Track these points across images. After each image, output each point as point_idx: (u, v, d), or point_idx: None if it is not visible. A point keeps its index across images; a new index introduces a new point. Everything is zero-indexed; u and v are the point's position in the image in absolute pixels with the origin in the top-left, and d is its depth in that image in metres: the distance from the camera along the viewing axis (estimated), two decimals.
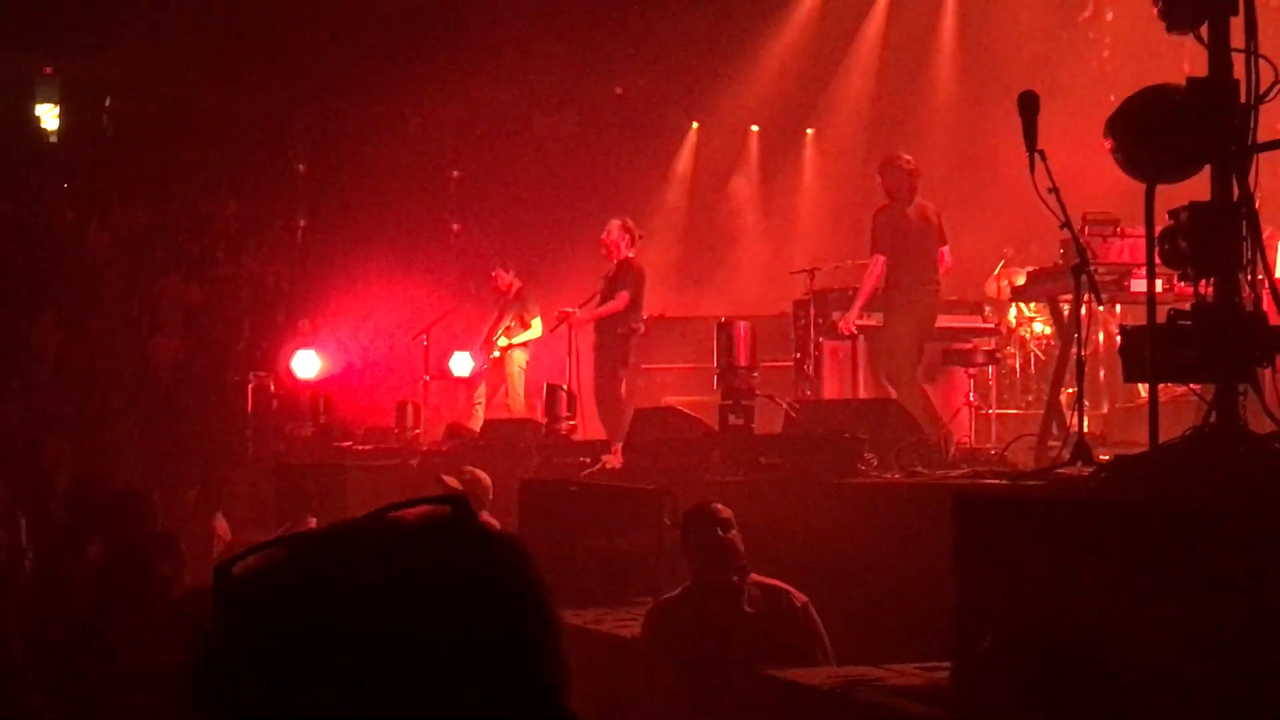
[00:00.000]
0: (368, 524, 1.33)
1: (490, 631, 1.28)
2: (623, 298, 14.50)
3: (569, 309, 14.98)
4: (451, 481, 10.66)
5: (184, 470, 16.15)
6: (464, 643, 1.26)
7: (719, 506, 7.20)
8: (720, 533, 7.05)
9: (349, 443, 16.24)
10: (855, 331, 12.91)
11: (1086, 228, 10.78)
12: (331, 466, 14.29)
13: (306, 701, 1.23)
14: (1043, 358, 14.26)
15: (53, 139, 22.06)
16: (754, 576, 7.09)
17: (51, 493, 11.16)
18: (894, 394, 11.72)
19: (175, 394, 18.71)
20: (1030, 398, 14.25)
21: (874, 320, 12.74)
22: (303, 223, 21.73)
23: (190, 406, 18.29)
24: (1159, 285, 7.79)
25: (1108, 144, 7.47)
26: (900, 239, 12.29)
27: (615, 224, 14.84)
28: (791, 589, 7.08)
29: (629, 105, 21.19)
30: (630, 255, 14.74)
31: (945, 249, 12.53)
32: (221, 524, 13.49)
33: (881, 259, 12.34)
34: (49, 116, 22.10)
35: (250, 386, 17.92)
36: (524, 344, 16.58)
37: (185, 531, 7.73)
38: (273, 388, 18.26)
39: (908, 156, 12.75)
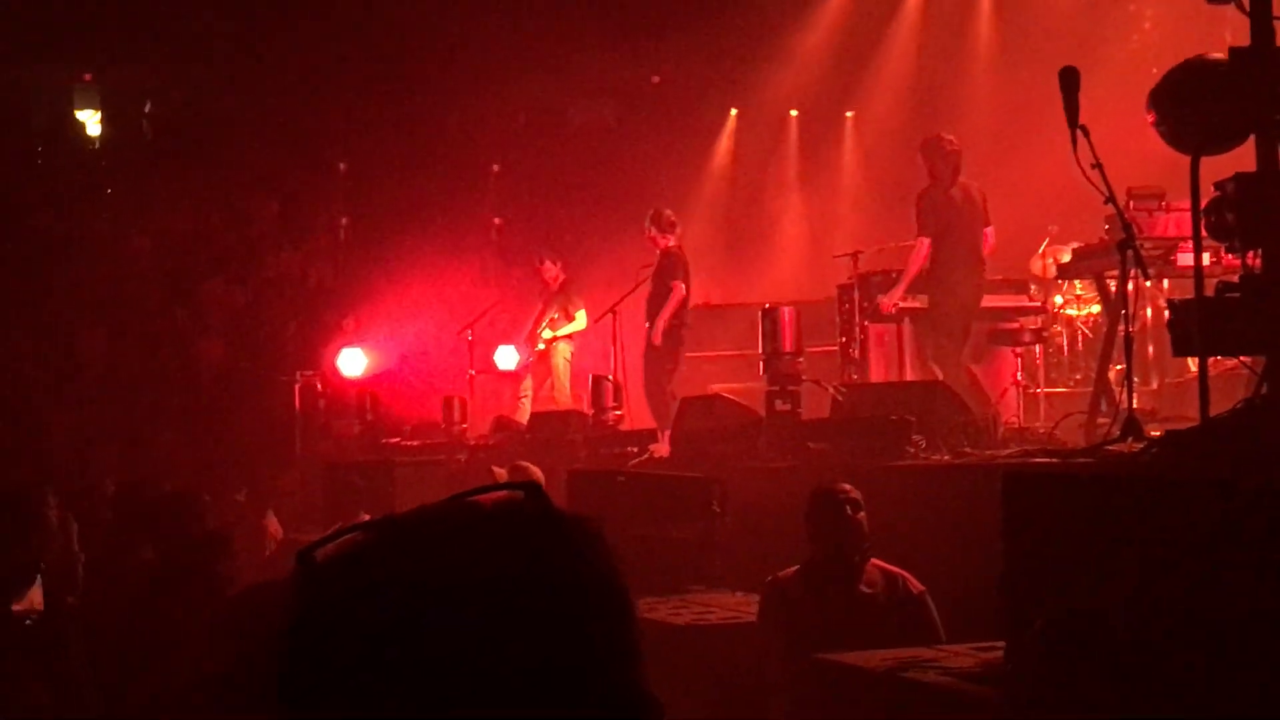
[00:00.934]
0: (445, 508, 1.35)
1: (569, 611, 1.29)
2: (677, 288, 14.49)
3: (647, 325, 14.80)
4: (501, 474, 10.69)
5: (233, 472, 16.21)
6: (544, 621, 1.27)
7: (847, 486, 7.16)
8: (850, 512, 7.01)
9: (397, 439, 16.28)
10: (897, 310, 12.85)
11: (1131, 202, 10.70)
12: (380, 463, 14.33)
13: (392, 681, 1.24)
14: (1090, 335, 14.17)
15: (94, 145, 22.19)
16: (875, 560, 7.06)
17: (101, 498, 11.23)
18: (940, 375, 11.67)
19: (222, 396, 18.81)
20: (1078, 376, 14.16)
21: (918, 302, 12.68)
22: (345, 221, 21.80)
23: (237, 408, 18.38)
24: (1206, 258, 7.74)
25: (1150, 117, 7.43)
26: (945, 220, 12.22)
27: (647, 217, 14.84)
28: (909, 576, 7.04)
29: (667, 94, 21.16)
30: (670, 245, 14.71)
31: (989, 229, 12.46)
32: (273, 523, 13.56)
33: (927, 241, 12.28)
34: (90, 123, 22.23)
35: (297, 386, 17.98)
36: (569, 336, 16.57)
37: (237, 532, 7.75)
38: (319, 387, 18.32)
39: (950, 137, 12.68)
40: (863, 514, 7.06)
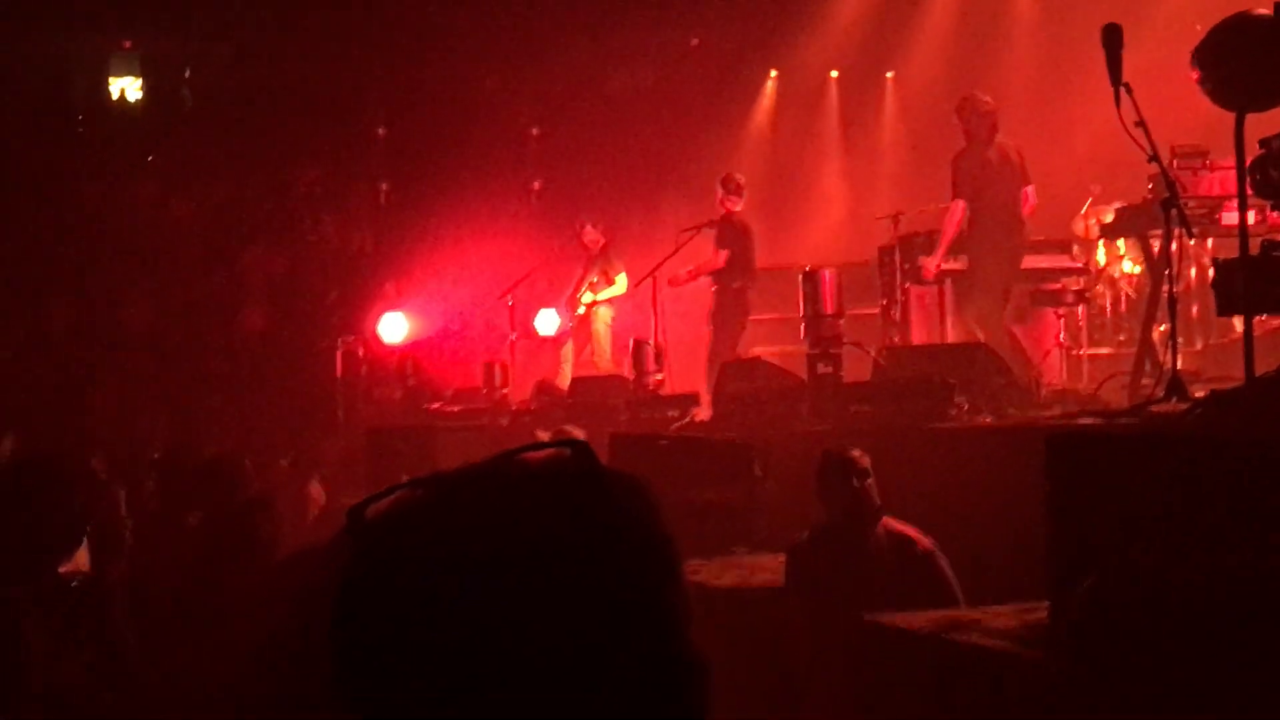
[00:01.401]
0: (492, 465, 1.36)
1: (616, 568, 1.30)
2: (720, 255, 14.53)
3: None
4: (546, 439, 10.70)
5: (276, 438, 16.30)
6: (592, 578, 1.28)
7: (857, 454, 7.18)
8: (855, 482, 7.05)
9: (438, 404, 16.31)
10: (938, 276, 12.82)
11: (1175, 161, 10.62)
12: (422, 429, 14.36)
13: (441, 636, 1.26)
14: (1133, 296, 14.08)
15: (135, 113, 22.24)
16: (885, 521, 7.08)
17: (146, 465, 11.30)
18: (982, 337, 11.62)
19: (264, 363, 18.90)
20: (1122, 337, 14.07)
21: (959, 264, 12.62)
22: (384, 186, 21.82)
23: (279, 375, 18.48)
24: (1251, 217, 7.68)
25: (1194, 74, 7.36)
26: (982, 181, 12.15)
27: (718, 180, 14.96)
28: (918, 535, 7.05)
29: (706, 56, 21.04)
30: (731, 209, 14.76)
31: (1029, 189, 12.36)
32: (316, 489, 13.61)
33: (961, 204, 12.21)
34: (131, 90, 22.27)
35: (338, 352, 18.06)
36: (609, 300, 16.57)
37: (280, 498, 7.79)
38: (361, 352, 18.39)
39: (986, 97, 12.60)
40: (871, 481, 7.09)
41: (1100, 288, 14.26)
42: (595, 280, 16.58)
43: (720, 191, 14.85)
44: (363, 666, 1.29)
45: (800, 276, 11.71)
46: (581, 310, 16.69)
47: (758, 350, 14.55)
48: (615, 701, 1.26)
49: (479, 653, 1.25)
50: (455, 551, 1.28)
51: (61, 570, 5.19)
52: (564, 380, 15.88)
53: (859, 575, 6.88)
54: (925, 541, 7.03)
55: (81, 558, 5.66)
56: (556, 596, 1.26)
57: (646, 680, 1.28)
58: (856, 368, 11.64)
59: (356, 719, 1.29)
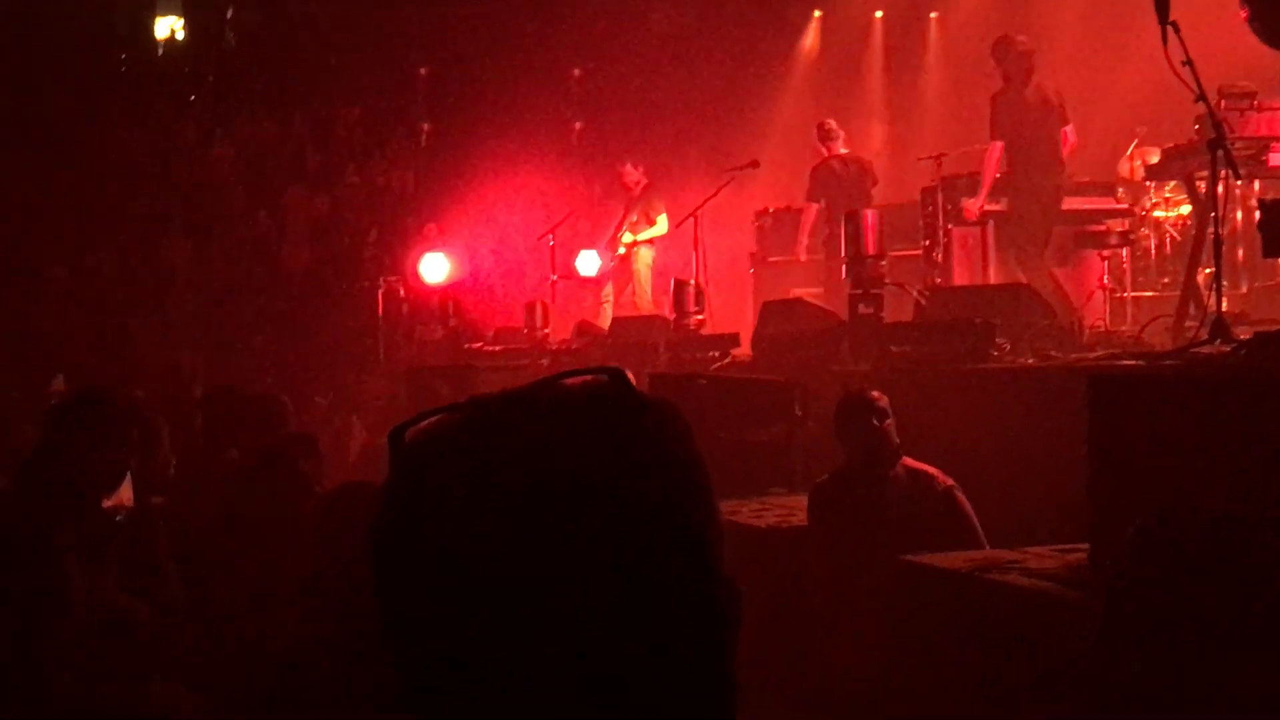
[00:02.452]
0: (530, 390, 1.37)
1: (650, 492, 1.31)
2: (810, 210, 14.76)
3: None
4: None
5: (317, 377, 16.39)
6: (626, 502, 1.29)
7: (876, 395, 7.19)
8: (875, 422, 7.06)
9: (479, 344, 16.36)
10: (979, 217, 12.77)
11: (1222, 101, 10.52)
12: (462, 368, 14.40)
13: (478, 552, 1.27)
14: (1178, 238, 13.96)
15: (177, 53, 22.27)
16: (905, 460, 7.09)
17: (190, 403, 11.36)
18: (1023, 279, 11.56)
19: (306, 303, 18.98)
20: (1166, 280, 13.96)
21: (1001, 205, 12.56)
22: (426, 127, 21.82)
23: (321, 314, 18.55)
24: None
25: (1243, 13, 7.28)
26: (1020, 122, 12.06)
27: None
28: (937, 473, 7.06)
29: None
30: (825, 156, 14.78)
31: (1069, 128, 12.27)
32: (357, 427, 13.69)
33: (999, 145, 12.15)
34: (175, 29, 22.29)
35: (380, 292, 18.11)
36: (650, 241, 16.56)
37: (320, 435, 7.83)
38: (402, 293, 18.45)
39: (1021, 37, 12.50)
40: (889, 422, 7.09)
41: (1145, 230, 14.14)
42: (636, 221, 16.57)
43: (816, 138, 14.88)
44: (399, 586, 1.30)
45: (843, 217, 11.66)
46: (622, 250, 16.69)
47: (799, 291, 14.52)
48: (649, 619, 1.27)
49: (514, 569, 1.26)
50: (492, 470, 1.29)
51: (105, 504, 5.24)
52: (604, 320, 15.90)
53: (880, 514, 6.91)
54: (945, 479, 7.03)
55: (125, 492, 5.72)
56: (591, 515, 1.27)
57: (681, 599, 1.29)
58: (898, 309, 11.61)
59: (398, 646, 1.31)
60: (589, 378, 1.37)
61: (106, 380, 13.39)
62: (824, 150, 14.74)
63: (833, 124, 15.01)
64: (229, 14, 22.20)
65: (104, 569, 4.91)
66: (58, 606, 4.61)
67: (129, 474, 5.56)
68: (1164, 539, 4.81)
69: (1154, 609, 4.75)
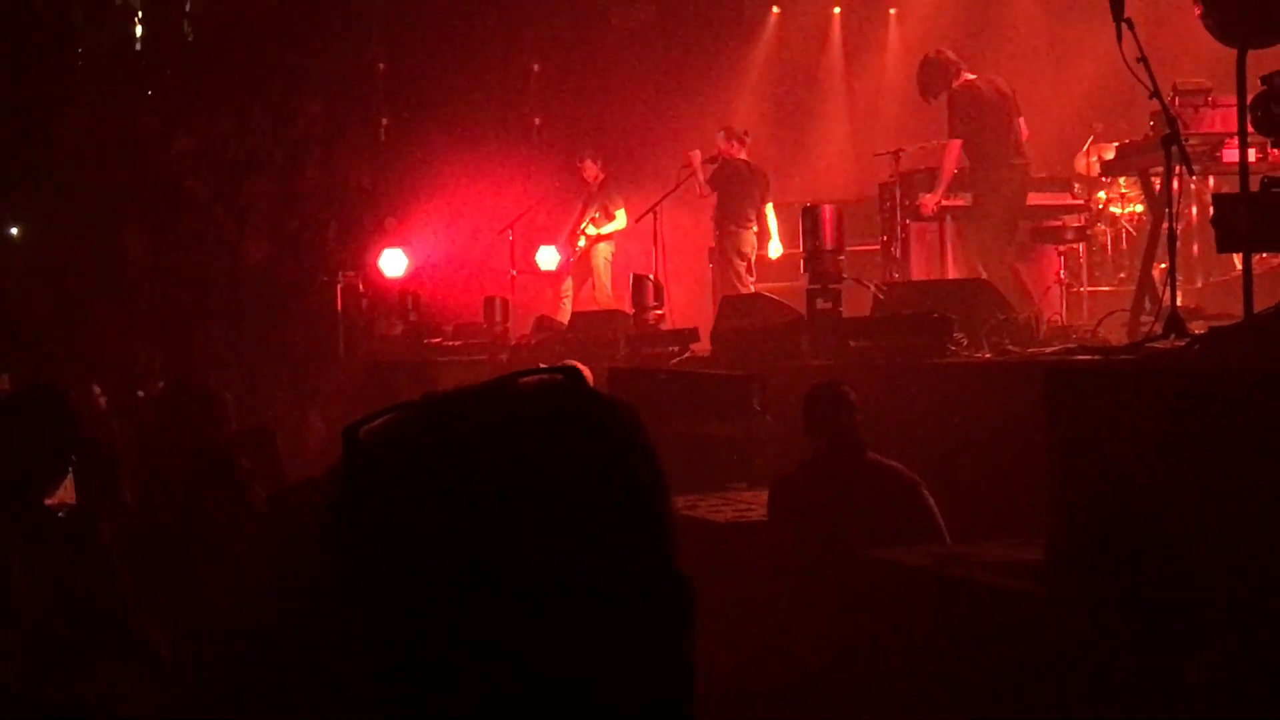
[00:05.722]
0: (485, 388, 1.38)
1: (604, 482, 1.32)
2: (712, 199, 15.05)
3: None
4: None
5: (276, 371, 16.33)
6: (581, 498, 1.30)
7: (845, 389, 7.21)
8: (844, 415, 7.08)
9: (438, 339, 16.33)
10: (936, 212, 12.85)
11: (1177, 98, 10.59)
12: (422, 363, 14.40)
13: (433, 548, 1.28)
14: (1134, 233, 14.06)
15: (136, 45, 22.13)
16: (870, 455, 7.11)
17: (147, 395, 11.33)
18: (985, 273, 11.62)
19: (265, 296, 18.90)
20: (1122, 274, 14.07)
21: (961, 200, 12.63)
22: (385, 121, 21.74)
23: (280, 308, 18.48)
24: (1252, 154, 7.67)
25: (1196, 10, 7.33)
26: (980, 116, 12.12)
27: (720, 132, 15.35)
28: (902, 468, 7.09)
29: None
30: (735, 155, 15.02)
31: (1020, 120, 12.38)
32: (316, 422, 13.66)
33: (957, 143, 12.22)
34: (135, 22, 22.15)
35: (339, 287, 18.06)
36: (609, 235, 16.59)
37: (280, 430, 7.83)
38: (361, 287, 18.41)
39: (931, 53, 12.65)
40: (857, 416, 7.12)
41: (1101, 225, 14.24)
42: (595, 216, 16.60)
43: (723, 139, 15.09)
44: (355, 582, 1.31)
45: (800, 211, 11.70)
46: (582, 245, 16.70)
47: (758, 285, 14.59)
48: (603, 613, 1.28)
49: (469, 567, 1.27)
50: (446, 467, 1.30)
51: (48, 502, 5.21)
52: (564, 315, 15.92)
53: (847, 508, 6.92)
54: (909, 474, 7.07)
55: (68, 489, 5.70)
56: (545, 511, 1.28)
57: (636, 594, 1.30)
58: (856, 303, 11.65)
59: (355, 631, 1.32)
60: (544, 376, 1.39)
61: (60, 372, 13.33)
62: (731, 149, 14.93)
63: (743, 130, 15.29)
64: (187, 7, 22.07)
65: (48, 567, 4.88)
66: (1, 605, 4.60)
67: (71, 471, 5.54)
68: (1105, 529, 4.85)
69: (1105, 602, 4.79)
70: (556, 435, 1.32)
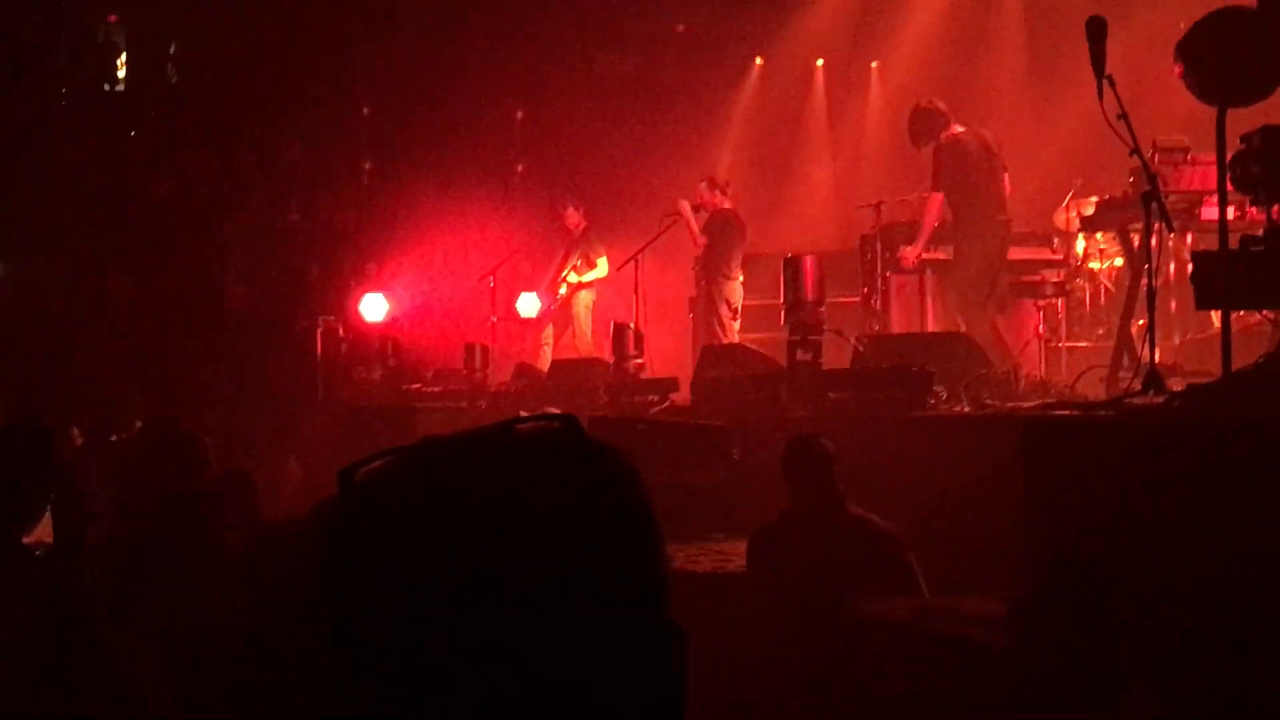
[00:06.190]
0: (482, 434, 1.37)
1: (601, 532, 1.32)
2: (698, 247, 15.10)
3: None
4: None
5: (255, 414, 16.29)
6: (578, 547, 1.30)
7: (825, 442, 7.21)
8: (823, 467, 7.08)
9: (418, 385, 16.32)
10: (917, 265, 12.89)
11: (1156, 155, 10.65)
12: (402, 409, 14.37)
13: (430, 594, 1.27)
14: (1113, 289, 14.11)
15: (119, 87, 22.15)
16: (849, 508, 7.11)
17: (128, 437, 11.29)
18: (965, 327, 11.65)
19: (244, 339, 18.86)
20: (1101, 330, 14.11)
21: (941, 254, 12.67)
22: (368, 165, 21.77)
23: (260, 351, 18.44)
24: (1231, 212, 7.71)
25: (1177, 69, 7.39)
26: (965, 171, 12.18)
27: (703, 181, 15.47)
28: (881, 521, 7.09)
29: (691, 42, 21.02)
30: (719, 205, 15.08)
31: (1005, 175, 12.45)
32: (294, 466, 13.61)
33: (939, 196, 12.28)
34: (117, 64, 22.15)
35: (319, 331, 18.03)
36: (590, 284, 16.62)
37: (257, 474, 7.80)
38: (341, 331, 18.37)
39: (923, 103, 12.70)
40: (836, 468, 7.12)
41: (1080, 280, 14.29)
42: (577, 263, 16.63)
43: (706, 189, 15.17)
44: (349, 626, 1.31)
45: (782, 263, 11.74)
46: (563, 293, 16.72)
47: (738, 336, 14.62)
48: (598, 661, 1.28)
49: (463, 612, 1.27)
50: (442, 511, 1.29)
51: (25, 540, 5.19)
52: (544, 363, 15.92)
53: (827, 560, 6.92)
54: (888, 527, 7.07)
55: (46, 528, 5.68)
56: (540, 558, 1.28)
57: (628, 641, 1.30)
58: (836, 355, 11.67)
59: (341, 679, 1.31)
60: (542, 424, 1.39)
61: (41, 410, 13.29)
62: (715, 199, 14.99)
63: (725, 180, 15.40)
64: (172, 49, 22.09)
65: (25, 605, 4.86)
66: None
67: (48, 510, 5.52)
68: (1069, 584, 4.86)
69: (1065, 650, 4.79)
70: (553, 483, 1.32)
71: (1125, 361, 10.04)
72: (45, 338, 18.40)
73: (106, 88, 21.73)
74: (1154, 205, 8.14)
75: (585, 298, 16.65)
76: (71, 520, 6.08)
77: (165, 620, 5.19)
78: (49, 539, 5.73)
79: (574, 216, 16.79)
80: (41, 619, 4.92)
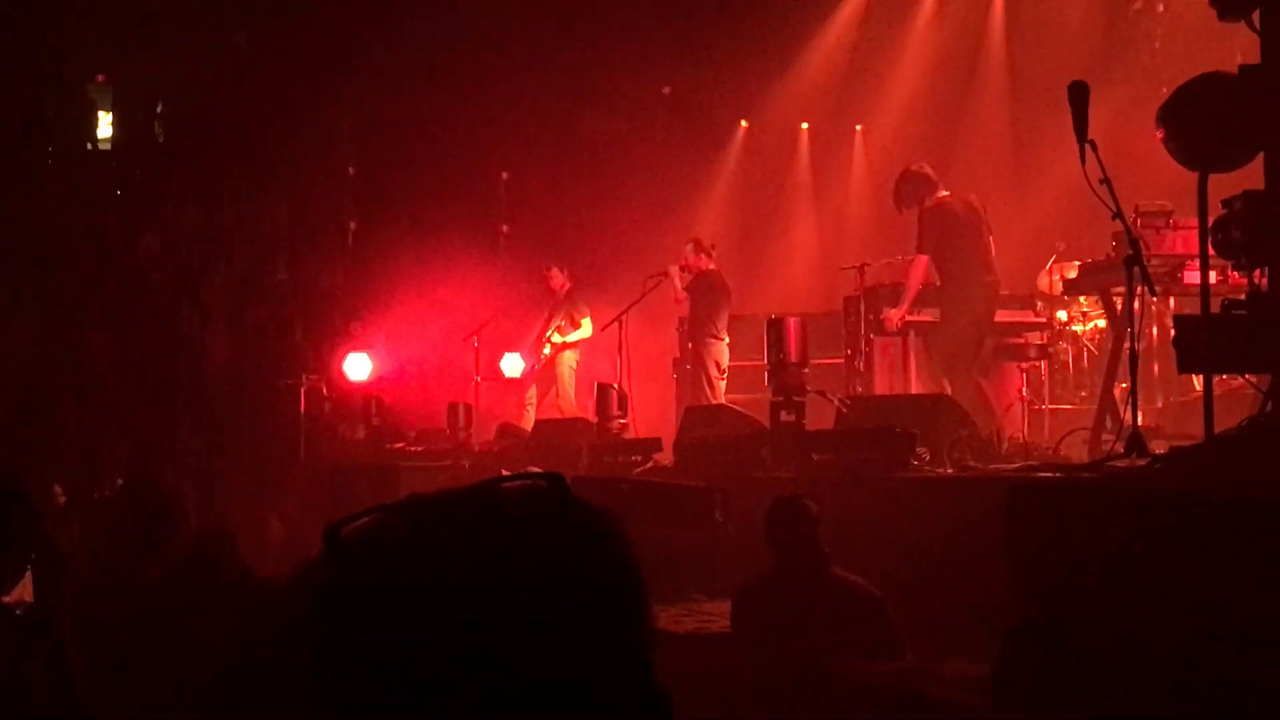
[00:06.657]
0: (469, 492, 1.37)
1: (589, 593, 1.32)
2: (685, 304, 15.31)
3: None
4: None
5: (238, 472, 16.24)
6: (565, 607, 1.30)
7: (807, 502, 7.20)
8: (807, 529, 7.06)
9: (401, 444, 16.29)
10: (900, 327, 12.91)
11: (1139, 219, 10.70)
12: (384, 468, 14.34)
13: (418, 653, 1.26)
14: (1095, 352, 14.16)
15: (106, 146, 22.20)
16: (833, 570, 7.10)
17: (109, 495, 11.25)
18: (950, 389, 11.66)
19: (228, 398, 18.83)
20: (1083, 393, 14.15)
21: (926, 315, 12.70)
22: (353, 225, 21.80)
23: (243, 410, 18.41)
24: (1213, 276, 7.75)
25: (1160, 134, 7.44)
26: (951, 234, 12.22)
27: (688, 244, 15.60)
28: (864, 583, 7.08)
29: (678, 104, 21.12)
30: (704, 267, 15.18)
31: (990, 238, 12.50)
32: (276, 525, 13.57)
33: (924, 259, 12.31)
34: (102, 124, 22.22)
35: (302, 389, 18.01)
36: (574, 344, 16.64)
37: (239, 532, 7.76)
38: (325, 390, 18.36)
39: (912, 167, 12.76)
40: (820, 529, 7.11)
41: (1063, 343, 14.34)
42: (561, 324, 16.66)
43: (692, 252, 15.27)
44: (336, 685, 1.29)
45: (766, 324, 11.76)
46: (547, 353, 16.73)
47: (722, 397, 14.63)
48: None
49: (449, 670, 1.26)
50: (432, 572, 1.29)
51: (5, 600, 5.16)
52: (528, 423, 15.91)
53: (810, 621, 6.90)
54: (871, 589, 7.06)
55: (26, 587, 5.64)
56: (527, 616, 1.28)
57: (614, 702, 1.29)
58: (820, 416, 11.68)
59: None
60: (529, 482, 1.38)
61: (28, 470, 13.24)
62: (700, 261, 15.07)
63: (710, 243, 15.48)
64: (159, 108, 22.16)
65: (5, 664, 4.82)
66: None
67: (29, 569, 5.48)
68: (1039, 642, 4.85)
69: (1041, 709, 4.79)
70: (539, 542, 1.32)
71: (1108, 424, 10.07)
72: (26, 394, 18.34)
73: (90, 146, 21.79)
74: (1136, 269, 8.17)
75: (569, 358, 16.66)
76: (52, 579, 6.04)
77: (148, 677, 5.16)
78: (29, 598, 5.69)
79: (558, 277, 16.84)
80: (22, 677, 4.88)
